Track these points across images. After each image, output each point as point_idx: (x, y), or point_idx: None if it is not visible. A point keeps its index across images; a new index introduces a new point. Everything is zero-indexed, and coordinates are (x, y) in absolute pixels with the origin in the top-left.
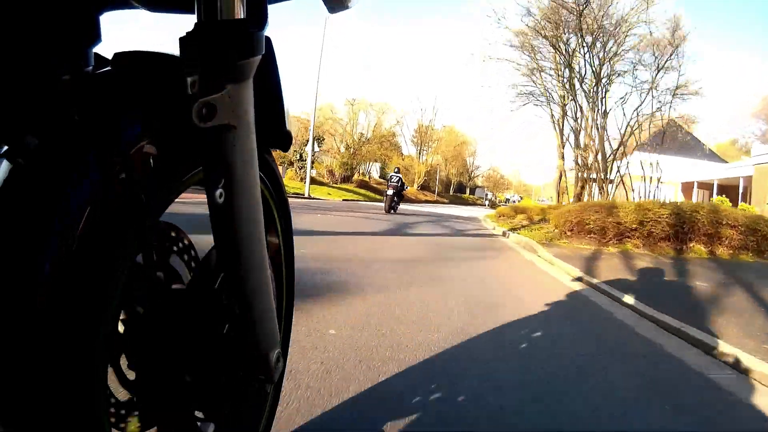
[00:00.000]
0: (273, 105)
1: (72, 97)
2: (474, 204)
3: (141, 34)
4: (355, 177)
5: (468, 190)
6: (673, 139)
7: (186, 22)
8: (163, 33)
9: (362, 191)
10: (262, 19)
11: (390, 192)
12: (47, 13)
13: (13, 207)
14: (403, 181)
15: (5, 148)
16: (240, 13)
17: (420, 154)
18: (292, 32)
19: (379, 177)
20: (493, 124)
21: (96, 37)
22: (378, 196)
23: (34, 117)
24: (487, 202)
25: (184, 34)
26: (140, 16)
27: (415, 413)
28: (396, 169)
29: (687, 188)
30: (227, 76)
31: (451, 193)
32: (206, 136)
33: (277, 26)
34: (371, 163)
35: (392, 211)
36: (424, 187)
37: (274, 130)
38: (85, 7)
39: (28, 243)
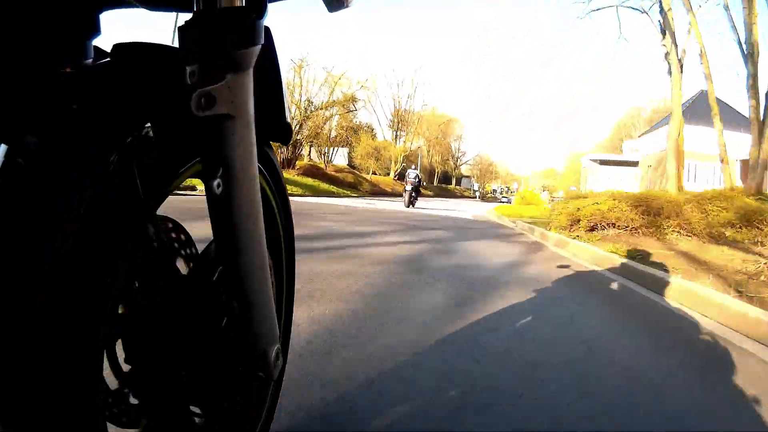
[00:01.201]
0: (273, 97)
1: (71, 89)
2: (462, 196)
3: (141, 35)
4: (301, 162)
5: (454, 180)
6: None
7: None
8: (163, 34)
9: (308, 182)
10: (261, 8)
11: (409, 188)
12: (47, 12)
13: (13, 207)
14: (420, 177)
15: (5, 147)
16: (239, 2)
17: (397, 136)
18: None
19: (348, 165)
20: (491, 114)
21: (95, 31)
22: (337, 189)
23: (34, 116)
24: (477, 194)
25: (183, 24)
26: (140, 16)
27: None
28: (413, 167)
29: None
30: (226, 65)
31: (435, 183)
32: (204, 126)
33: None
34: (336, 148)
35: (411, 206)
36: (402, 177)
37: (274, 122)
38: (85, 6)
39: (28, 243)
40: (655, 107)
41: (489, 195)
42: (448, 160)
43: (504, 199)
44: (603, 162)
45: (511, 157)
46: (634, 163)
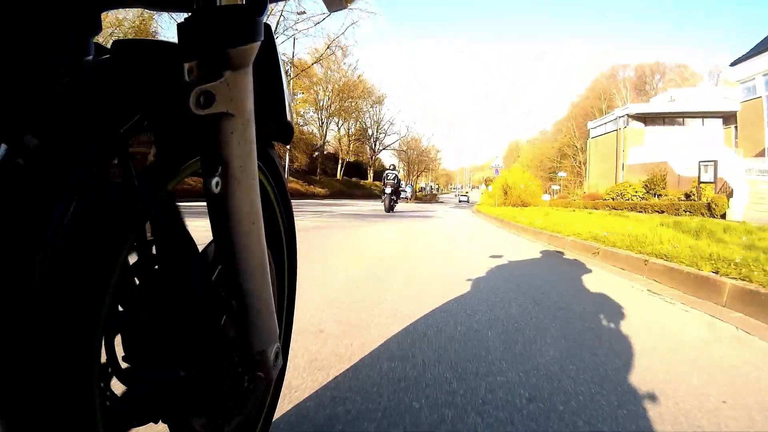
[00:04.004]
0: (273, 95)
1: (71, 87)
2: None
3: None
4: None
5: (371, 175)
6: None
7: None
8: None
9: None
10: (261, 6)
11: (388, 190)
12: (48, 11)
13: (13, 207)
14: (400, 178)
15: (5, 147)
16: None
17: None
18: None
19: None
20: (489, 113)
21: (96, 28)
22: None
23: (34, 116)
24: (408, 193)
25: (182, 20)
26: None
27: None
28: (391, 166)
29: None
30: (225, 62)
31: (340, 176)
32: (204, 124)
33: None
34: None
35: (391, 210)
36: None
37: (274, 121)
38: (86, 5)
39: (27, 243)
40: (640, 64)
41: (424, 194)
42: (363, 143)
43: (463, 198)
44: (651, 118)
45: (445, 149)
46: (716, 114)
